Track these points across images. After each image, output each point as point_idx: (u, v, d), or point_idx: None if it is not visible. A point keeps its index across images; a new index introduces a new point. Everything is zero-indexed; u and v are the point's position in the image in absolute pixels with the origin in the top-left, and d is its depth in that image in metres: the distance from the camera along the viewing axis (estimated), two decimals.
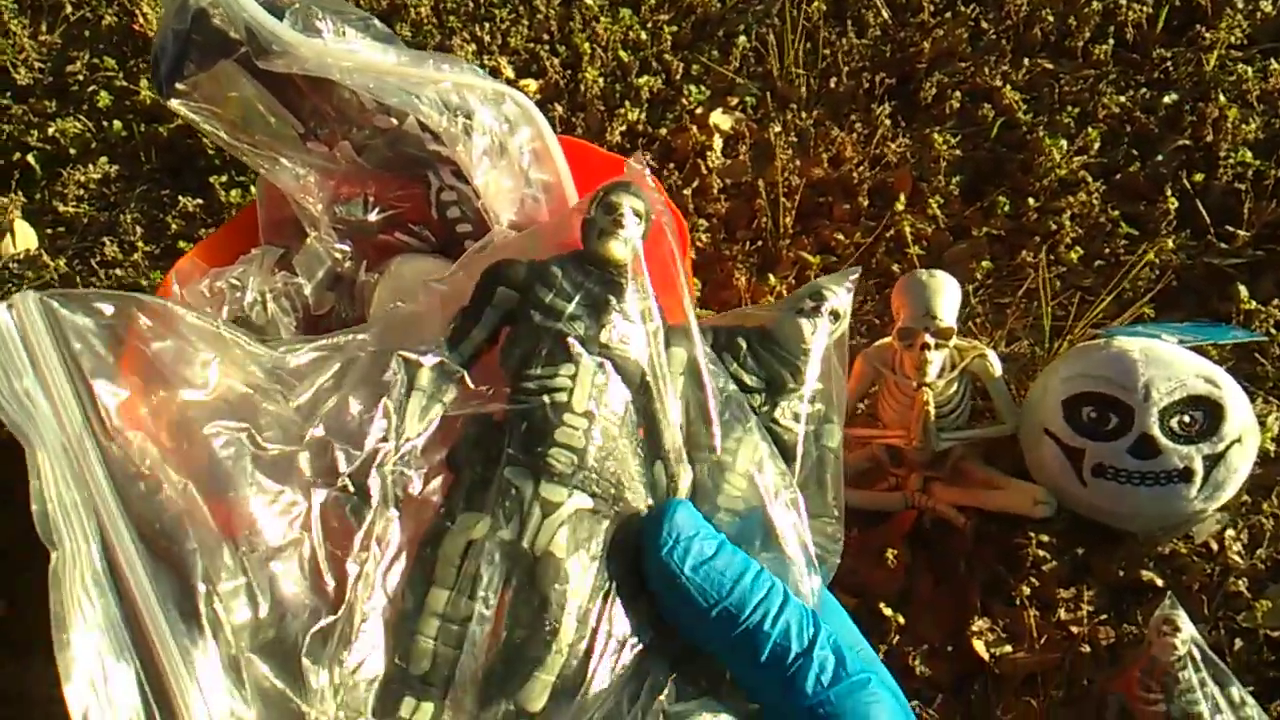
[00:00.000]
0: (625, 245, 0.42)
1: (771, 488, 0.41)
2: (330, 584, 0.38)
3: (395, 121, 0.62)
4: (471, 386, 0.42)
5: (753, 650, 0.37)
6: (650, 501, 0.41)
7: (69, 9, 1.17)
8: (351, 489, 0.39)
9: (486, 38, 1.10)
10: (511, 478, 0.39)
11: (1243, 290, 0.80)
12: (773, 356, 0.45)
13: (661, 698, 0.37)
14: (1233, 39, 0.96)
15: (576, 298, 0.41)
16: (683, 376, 0.43)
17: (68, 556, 0.34)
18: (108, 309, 0.39)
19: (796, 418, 0.44)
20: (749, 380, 0.44)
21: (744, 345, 0.45)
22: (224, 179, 0.98)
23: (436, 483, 0.40)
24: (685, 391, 0.42)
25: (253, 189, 0.97)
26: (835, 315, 0.45)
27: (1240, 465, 0.65)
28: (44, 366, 0.37)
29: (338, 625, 0.37)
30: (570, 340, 0.40)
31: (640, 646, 0.39)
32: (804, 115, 0.99)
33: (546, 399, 0.39)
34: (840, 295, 0.45)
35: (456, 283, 0.46)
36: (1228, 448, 0.64)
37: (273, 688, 0.36)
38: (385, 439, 0.40)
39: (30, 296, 0.38)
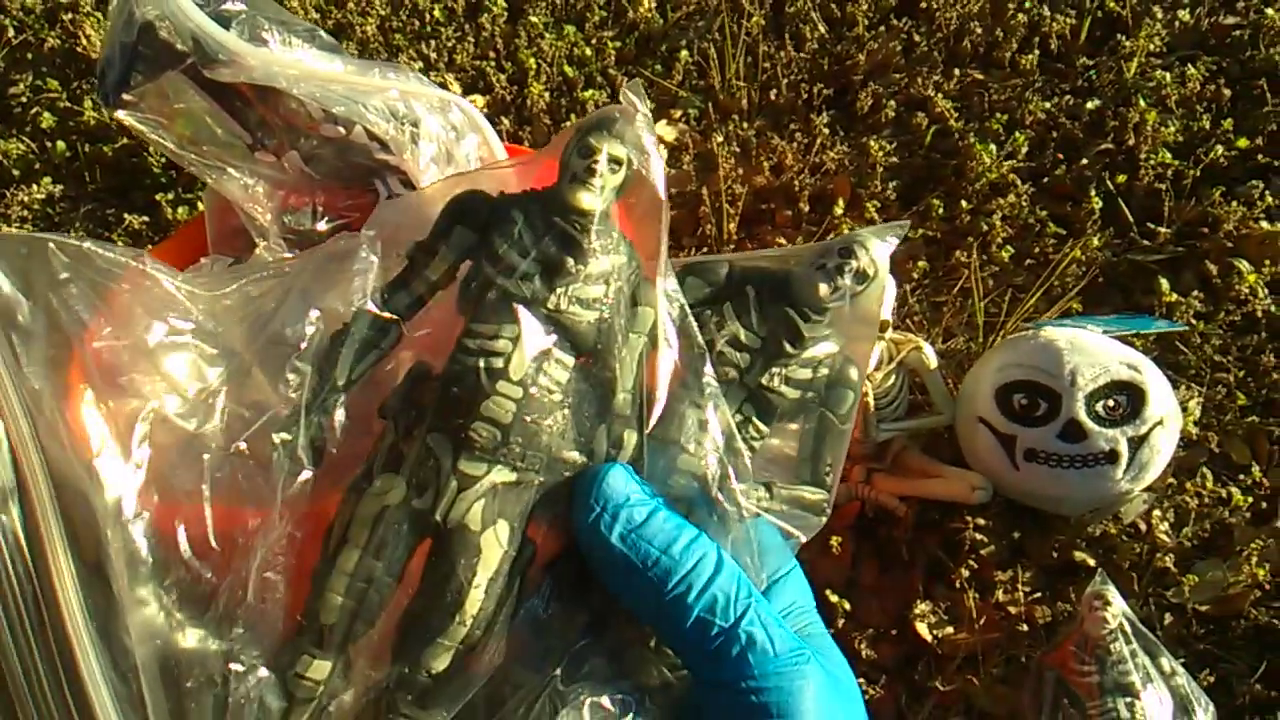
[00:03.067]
0: (596, 195, 0.38)
1: (715, 466, 0.39)
2: (216, 550, 0.36)
3: (343, 131, 0.63)
4: (412, 335, 0.39)
5: (676, 621, 0.36)
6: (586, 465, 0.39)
7: (11, 32, 1.17)
8: (247, 453, 0.37)
9: (433, 55, 1.11)
10: (432, 445, 0.37)
11: (1164, 284, 0.84)
12: (779, 315, 0.42)
13: (556, 672, 0.37)
14: (1152, 47, 1.01)
15: (532, 254, 0.39)
16: (646, 338, 0.40)
17: None
18: (22, 250, 0.35)
19: (788, 382, 0.42)
20: (744, 338, 0.42)
21: (752, 295, 0.42)
22: (170, 197, 0.98)
23: (368, 433, 0.38)
24: (646, 354, 0.40)
25: (199, 206, 0.97)
26: (863, 276, 0.41)
27: (1163, 446, 0.68)
28: None
29: (222, 593, 0.36)
30: (516, 301, 0.38)
31: (548, 618, 0.38)
32: (746, 126, 1.02)
33: (482, 362, 0.37)
34: (875, 252, 0.41)
35: (419, 207, 0.43)
36: (1150, 430, 0.67)
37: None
38: (295, 396, 0.37)
39: None
